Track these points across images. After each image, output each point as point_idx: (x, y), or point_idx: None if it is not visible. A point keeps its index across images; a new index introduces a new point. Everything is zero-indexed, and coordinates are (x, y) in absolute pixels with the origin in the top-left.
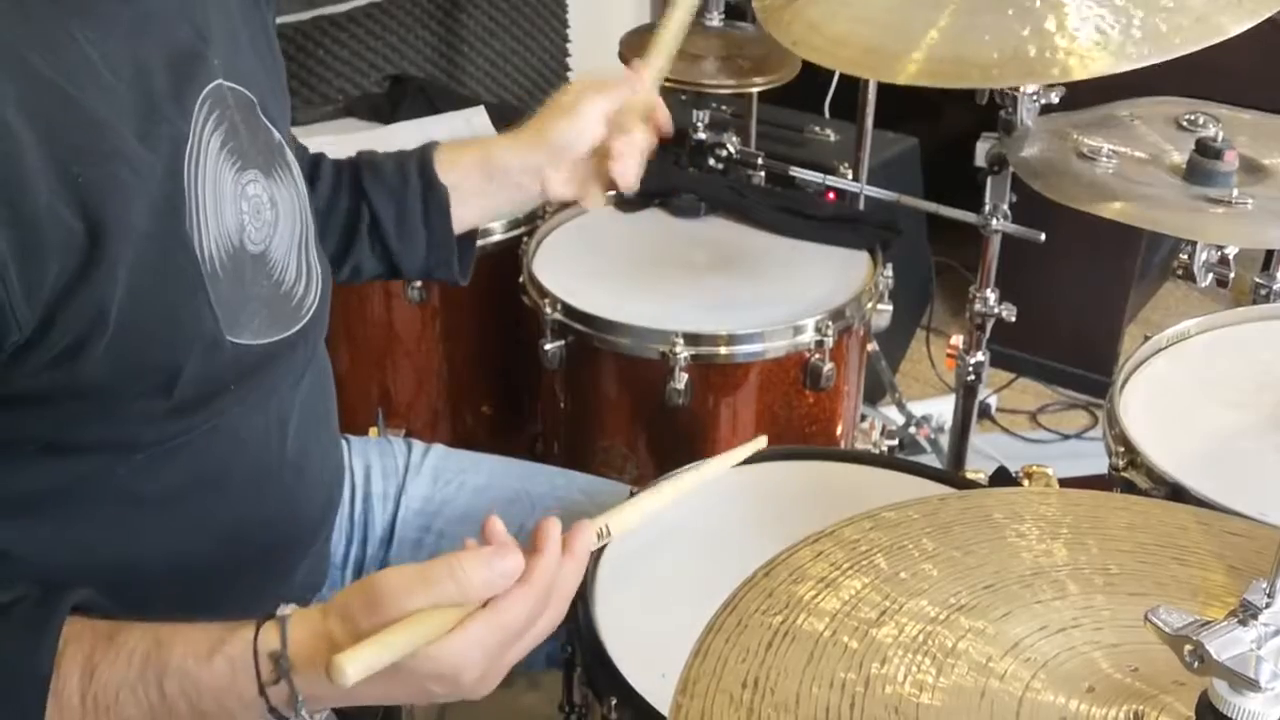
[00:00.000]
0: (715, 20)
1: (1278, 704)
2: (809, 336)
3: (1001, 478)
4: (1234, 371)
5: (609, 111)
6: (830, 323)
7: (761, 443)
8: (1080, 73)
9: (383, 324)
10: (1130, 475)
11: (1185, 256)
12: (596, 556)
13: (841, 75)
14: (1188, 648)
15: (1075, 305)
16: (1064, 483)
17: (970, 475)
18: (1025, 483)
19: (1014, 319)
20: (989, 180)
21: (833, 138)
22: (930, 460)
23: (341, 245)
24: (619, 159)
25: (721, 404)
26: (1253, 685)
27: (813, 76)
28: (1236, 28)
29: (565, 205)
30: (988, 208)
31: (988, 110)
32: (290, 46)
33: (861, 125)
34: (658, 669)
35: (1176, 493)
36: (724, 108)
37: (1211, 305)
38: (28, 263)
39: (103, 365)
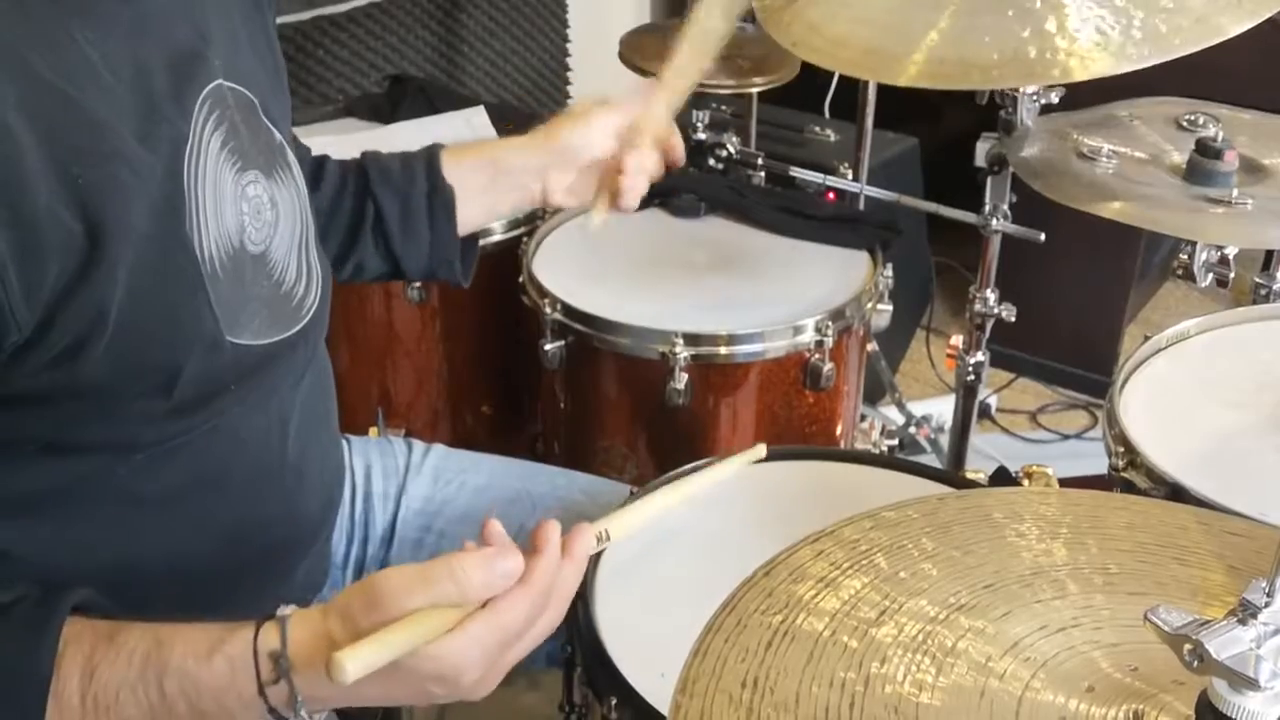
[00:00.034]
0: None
1: (1277, 703)
2: (809, 336)
3: (1001, 478)
4: (1234, 371)
5: (620, 127)
6: (830, 323)
7: (760, 452)
8: (1081, 74)
9: (383, 324)
10: (1130, 475)
11: (1185, 256)
12: (596, 557)
13: (841, 75)
14: (1187, 647)
15: (1075, 305)
16: (1064, 483)
17: (970, 475)
18: (1025, 483)
19: (1014, 319)
20: (989, 180)
21: (833, 138)
22: (930, 460)
23: (345, 244)
24: (628, 174)
25: (721, 404)
26: (1252, 684)
27: (813, 77)
28: (1236, 28)
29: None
30: (988, 208)
31: (988, 110)
32: (290, 46)
33: (861, 125)
34: (657, 668)
35: (1176, 493)
36: (724, 108)
37: (1211, 305)
38: (27, 264)
39: (102, 366)
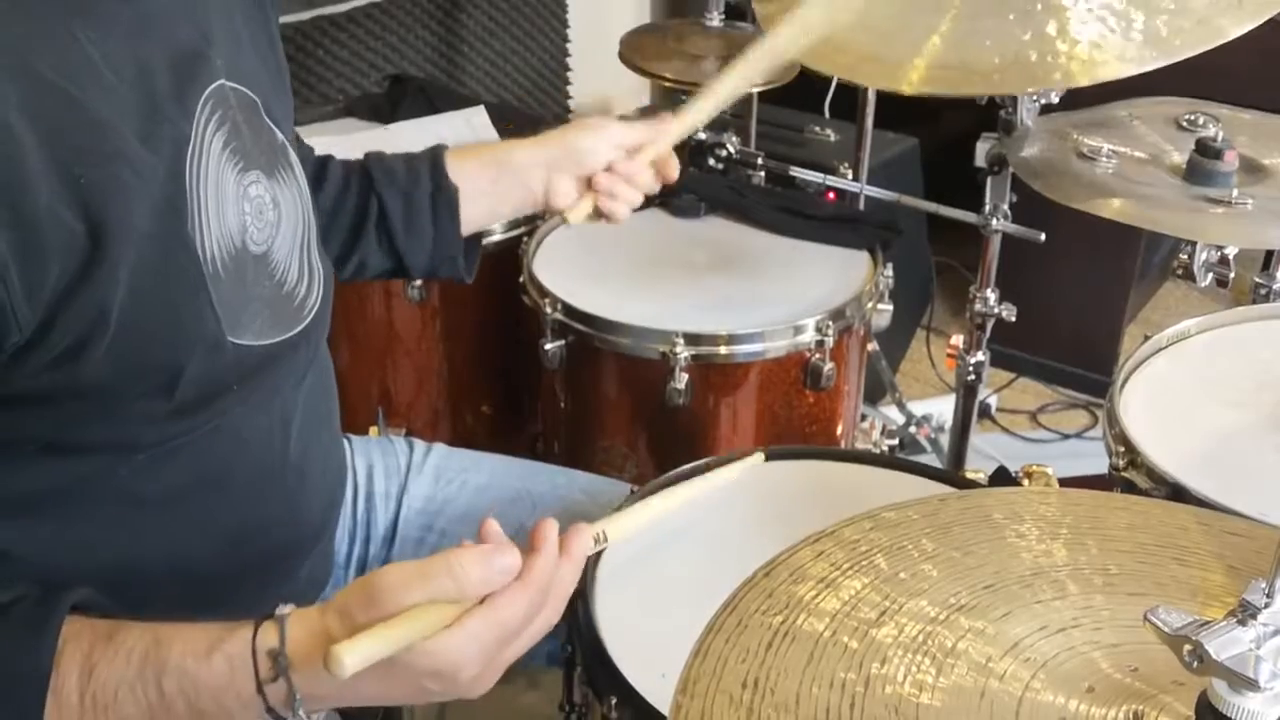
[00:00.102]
0: (715, 20)
1: (1277, 704)
2: (809, 336)
3: (1001, 478)
4: (1234, 371)
5: (630, 143)
6: (830, 323)
7: (758, 458)
8: (1083, 78)
9: (383, 323)
10: (1130, 475)
11: (1185, 256)
12: (596, 557)
13: None
14: (1187, 648)
15: (1075, 305)
16: (1064, 483)
17: (970, 475)
18: (1025, 483)
19: (1014, 319)
20: (989, 180)
21: (833, 138)
22: (930, 460)
23: (348, 242)
24: (618, 183)
25: (722, 404)
26: (1252, 685)
27: (813, 77)
28: (1237, 30)
29: (564, 220)
30: (988, 208)
31: (987, 110)
32: (290, 46)
33: (861, 125)
34: (658, 669)
35: (1176, 493)
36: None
37: (1211, 305)
38: (29, 264)
39: (104, 366)
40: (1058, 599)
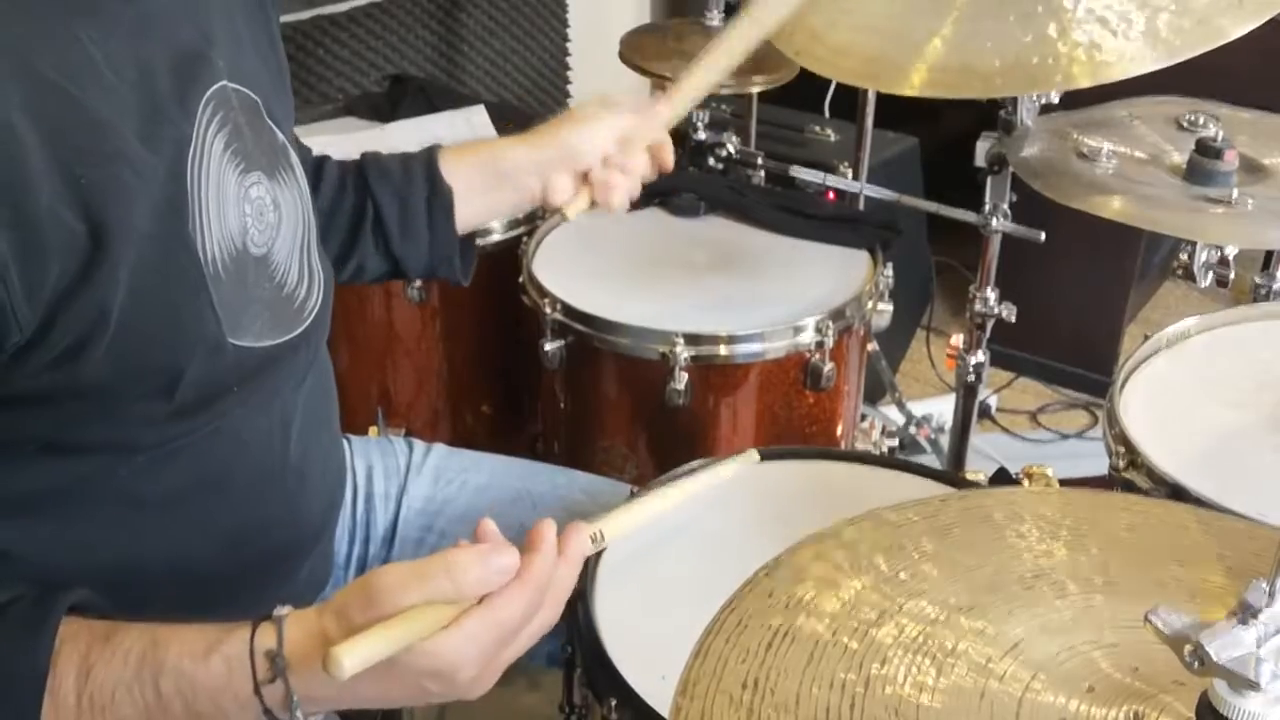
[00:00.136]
0: (715, 20)
1: (1278, 705)
2: (809, 336)
3: (1001, 478)
4: (1234, 371)
5: (623, 131)
6: (830, 323)
7: (753, 457)
8: (1084, 79)
9: (383, 324)
10: (1130, 475)
11: (1185, 256)
12: (596, 558)
13: None
14: (1188, 648)
15: (1075, 305)
16: (1064, 483)
17: (970, 475)
18: (1025, 483)
19: (1014, 319)
20: (989, 180)
21: (833, 137)
22: (930, 460)
23: (345, 244)
24: (614, 174)
25: (722, 404)
26: (1253, 686)
27: (813, 76)
28: (1238, 30)
29: (562, 217)
30: (988, 207)
31: (988, 110)
32: (290, 46)
33: (861, 125)
34: (658, 670)
35: (1176, 493)
36: (724, 107)
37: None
38: (29, 264)
39: (104, 366)
40: (1058, 599)
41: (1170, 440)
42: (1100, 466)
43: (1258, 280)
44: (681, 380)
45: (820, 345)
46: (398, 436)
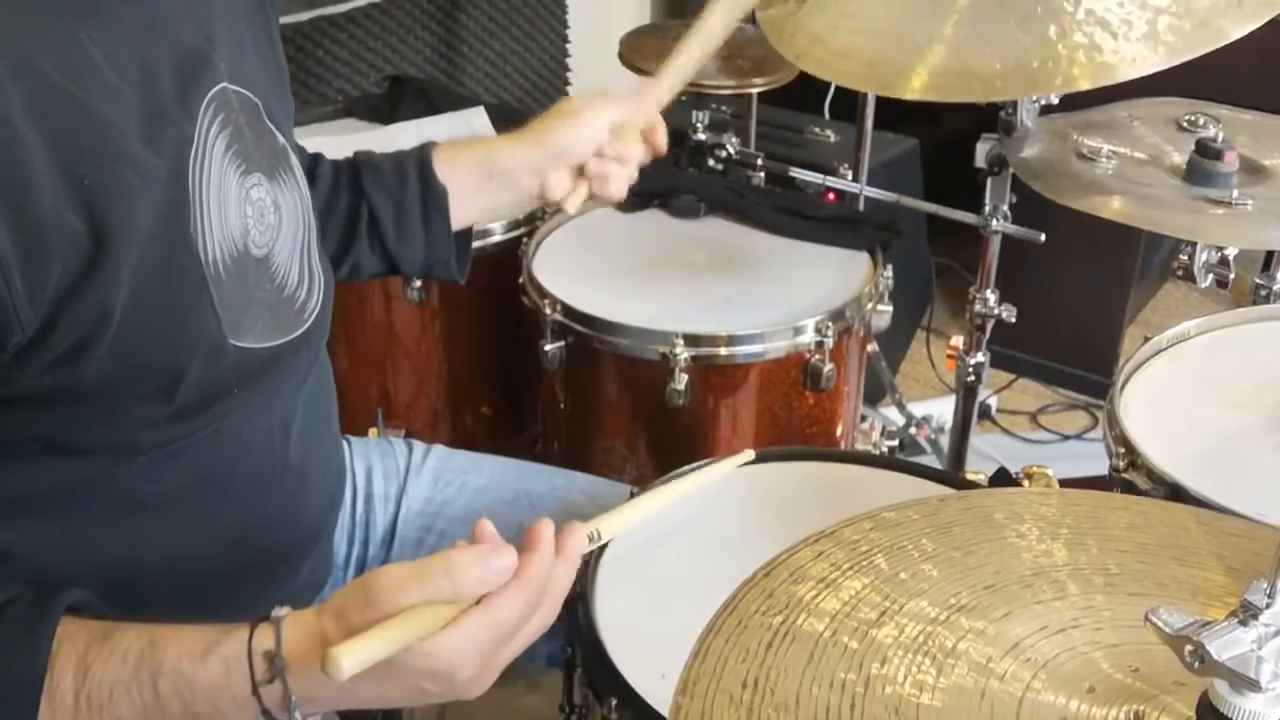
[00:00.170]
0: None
1: (1278, 704)
2: (809, 337)
3: (1002, 478)
4: (1234, 372)
5: (614, 121)
6: (830, 323)
7: (748, 455)
8: (1084, 81)
9: (383, 325)
10: (1130, 476)
11: (1185, 257)
12: (596, 557)
13: None
14: (1188, 648)
15: (1075, 306)
16: (1064, 483)
17: (970, 476)
18: (1025, 483)
19: (1014, 320)
20: (989, 181)
21: (832, 138)
22: (930, 461)
23: (341, 244)
24: (610, 164)
25: (721, 405)
26: (1253, 685)
27: (813, 77)
28: (1238, 31)
29: (562, 210)
30: (988, 208)
31: (988, 111)
32: (290, 46)
33: (861, 126)
34: (658, 669)
35: (1176, 493)
36: (724, 108)
37: (1211, 306)
38: (31, 264)
39: (105, 367)
40: (1058, 599)
41: (1170, 441)
42: (1100, 467)
43: (1258, 281)
44: (681, 381)
45: (820, 346)
46: (397, 437)
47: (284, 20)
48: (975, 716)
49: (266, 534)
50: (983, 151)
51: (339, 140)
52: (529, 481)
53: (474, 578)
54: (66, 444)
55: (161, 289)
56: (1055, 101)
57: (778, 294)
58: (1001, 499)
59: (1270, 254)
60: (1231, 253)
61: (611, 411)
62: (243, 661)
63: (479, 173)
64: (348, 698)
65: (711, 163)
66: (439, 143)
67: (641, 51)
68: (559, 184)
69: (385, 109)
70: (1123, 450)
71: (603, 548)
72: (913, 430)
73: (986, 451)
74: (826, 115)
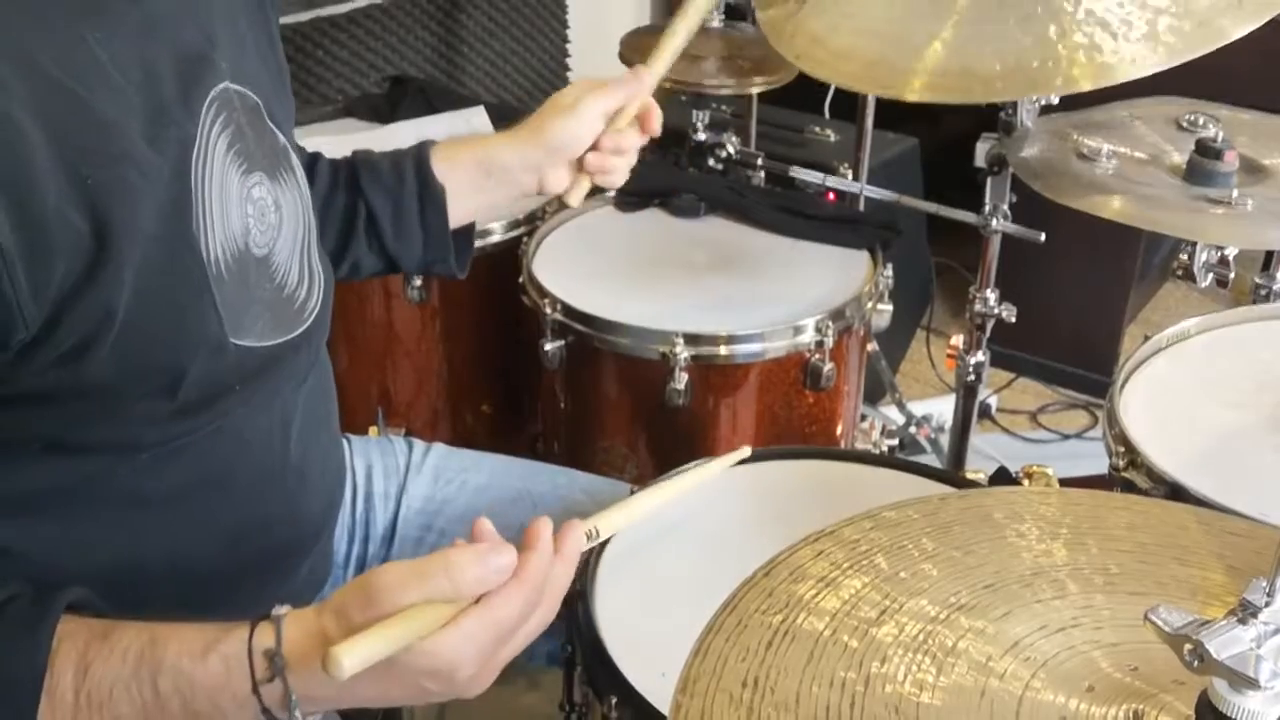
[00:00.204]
0: (715, 21)
1: (1277, 703)
2: (809, 336)
3: (1001, 478)
4: (1234, 371)
5: (609, 111)
6: (830, 323)
7: (745, 452)
8: (1085, 82)
9: (383, 324)
10: (1130, 475)
11: (1185, 257)
12: (596, 555)
13: None
14: (1187, 647)
15: (1075, 305)
16: (1064, 483)
17: (970, 475)
18: (1025, 483)
19: (1014, 319)
20: (989, 180)
21: (832, 138)
22: (930, 460)
23: (339, 243)
24: (608, 155)
25: (721, 404)
26: (1252, 684)
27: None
28: (1238, 31)
29: (564, 204)
30: (988, 208)
31: (987, 111)
32: (290, 47)
33: (861, 125)
34: (658, 668)
35: (1176, 492)
36: (724, 108)
37: (1211, 305)
38: (35, 263)
39: (108, 365)
40: (1058, 598)
41: (1170, 440)
42: (1100, 466)
43: (1258, 281)
44: (681, 380)
45: (820, 345)
46: (397, 436)
47: (284, 20)
48: (975, 715)
49: (267, 532)
50: (983, 151)
51: (339, 140)
52: (530, 480)
53: (473, 576)
54: (68, 442)
55: (164, 288)
56: (1055, 101)
57: (778, 293)
58: (1001, 498)
59: (1270, 254)
60: (1231, 252)
61: (612, 411)
62: (243, 660)
63: (477, 171)
64: (348, 696)
65: (711, 162)
66: (437, 141)
67: (642, 51)
68: (558, 180)
69: (385, 109)
70: (1122, 449)
71: (602, 546)
72: (913, 429)
73: (986, 451)
74: (826, 115)
